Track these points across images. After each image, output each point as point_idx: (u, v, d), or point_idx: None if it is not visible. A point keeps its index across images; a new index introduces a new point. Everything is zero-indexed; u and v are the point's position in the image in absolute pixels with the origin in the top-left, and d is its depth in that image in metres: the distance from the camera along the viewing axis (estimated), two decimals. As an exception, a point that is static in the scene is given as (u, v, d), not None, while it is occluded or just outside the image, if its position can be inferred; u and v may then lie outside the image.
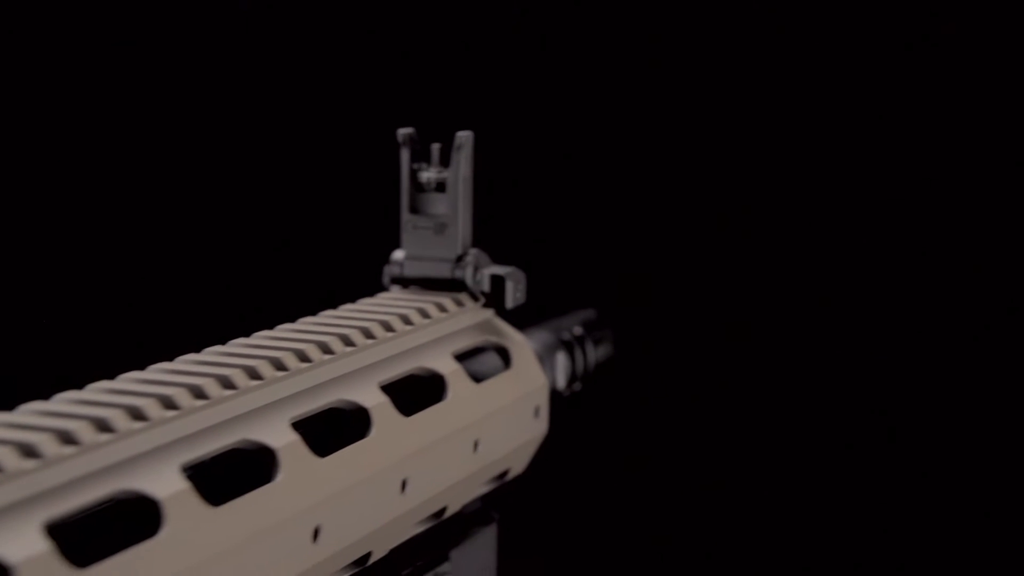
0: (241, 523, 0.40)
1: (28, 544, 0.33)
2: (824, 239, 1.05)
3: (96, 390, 0.41)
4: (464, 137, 0.61)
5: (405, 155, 0.62)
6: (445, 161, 0.62)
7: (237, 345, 0.48)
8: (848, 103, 1.03)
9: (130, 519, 0.38)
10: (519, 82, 1.05)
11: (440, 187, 0.62)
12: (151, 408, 0.39)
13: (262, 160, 1.14)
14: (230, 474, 0.42)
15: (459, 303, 0.60)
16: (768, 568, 0.88)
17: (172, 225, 1.17)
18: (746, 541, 0.90)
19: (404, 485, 0.51)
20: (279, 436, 0.44)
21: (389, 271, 0.62)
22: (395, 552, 0.53)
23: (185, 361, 0.45)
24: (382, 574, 0.54)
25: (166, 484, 0.39)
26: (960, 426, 1.03)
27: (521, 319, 0.67)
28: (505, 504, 0.64)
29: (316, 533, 0.45)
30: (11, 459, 0.34)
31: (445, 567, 0.57)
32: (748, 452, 1.02)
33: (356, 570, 0.49)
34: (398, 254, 0.63)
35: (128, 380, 0.42)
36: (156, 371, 0.44)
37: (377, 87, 1.08)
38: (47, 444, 0.35)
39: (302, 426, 0.46)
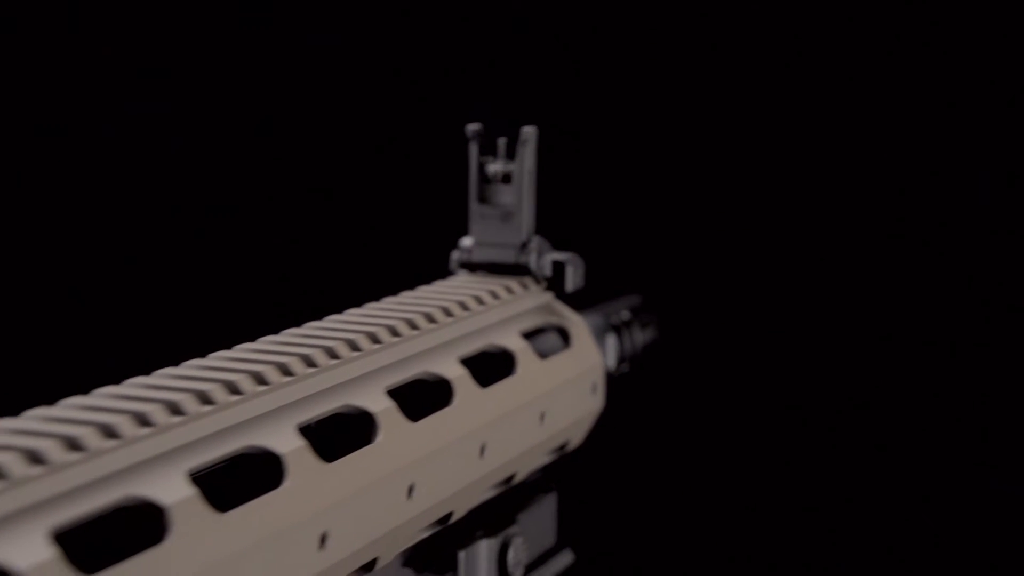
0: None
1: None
2: (870, 231, 1.09)
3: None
4: (529, 132, 0.66)
5: (474, 149, 0.66)
6: (511, 154, 0.66)
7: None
8: (894, 100, 1.07)
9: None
10: (569, 75, 1.10)
11: (506, 179, 0.66)
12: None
13: (313, 157, 1.19)
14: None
15: (524, 286, 0.65)
16: (808, 533, 0.93)
17: (215, 221, 1.21)
18: (777, 510, 0.95)
19: (483, 450, 0.55)
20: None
21: (459, 256, 0.67)
22: (470, 514, 0.57)
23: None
24: (457, 534, 0.59)
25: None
26: (1003, 428, 1.07)
27: (571, 304, 0.72)
28: (563, 475, 0.69)
29: (410, 489, 0.48)
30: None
31: (514, 529, 0.61)
32: (784, 436, 1.06)
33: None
34: (467, 241, 0.67)
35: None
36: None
37: (437, 84, 1.12)
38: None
39: (398, 392, 0.51)
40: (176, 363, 0.45)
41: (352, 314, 0.55)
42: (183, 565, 0.37)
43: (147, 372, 0.44)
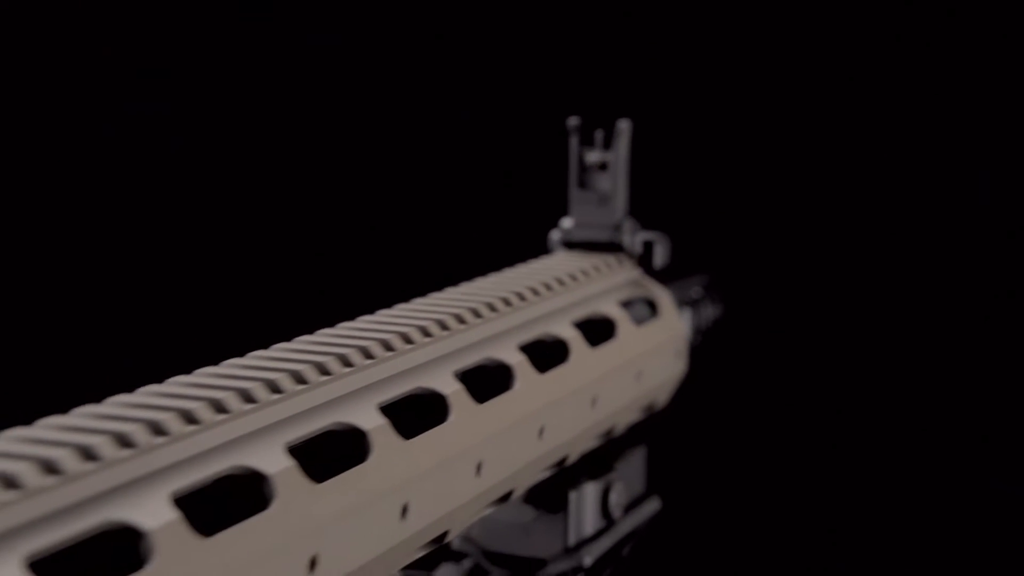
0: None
1: None
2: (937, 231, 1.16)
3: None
4: (624, 125, 0.74)
5: (574, 140, 0.75)
6: (607, 144, 0.74)
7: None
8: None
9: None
10: (648, 69, 1.18)
11: (603, 167, 0.74)
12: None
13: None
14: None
15: (620, 262, 0.73)
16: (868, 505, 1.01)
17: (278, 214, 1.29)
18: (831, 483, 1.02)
19: (594, 402, 0.63)
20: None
21: (562, 236, 0.75)
22: (583, 459, 0.66)
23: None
24: (566, 478, 0.67)
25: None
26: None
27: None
28: (650, 433, 0.77)
29: (404, 509, 0.47)
30: None
31: (613, 475, 0.69)
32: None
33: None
34: (567, 222, 0.75)
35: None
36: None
37: (531, 78, 1.20)
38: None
39: (529, 349, 0.59)
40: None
41: (471, 285, 0.63)
42: None
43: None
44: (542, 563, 0.67)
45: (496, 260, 0.71)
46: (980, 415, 1.15)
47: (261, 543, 0.39)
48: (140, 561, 0.35)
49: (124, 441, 0.37)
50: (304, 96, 1.27)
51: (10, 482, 0.33)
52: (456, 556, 0.68)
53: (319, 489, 0.42)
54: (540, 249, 0.77)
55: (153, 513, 0.36)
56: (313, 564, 0.41)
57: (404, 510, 0.47)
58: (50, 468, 0.34)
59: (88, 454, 0.35)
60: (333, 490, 0.43)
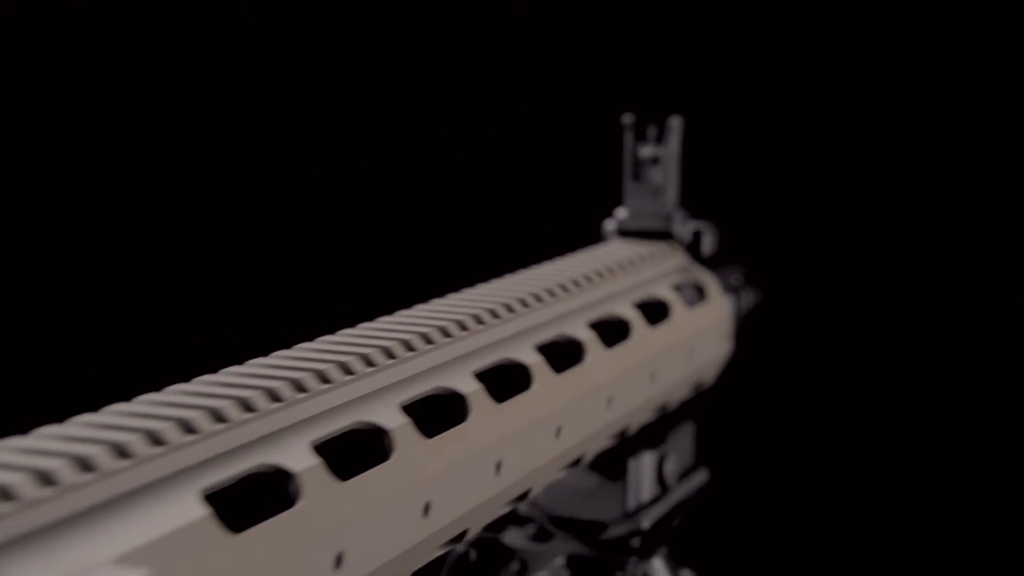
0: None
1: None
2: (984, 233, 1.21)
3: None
4: (675, 122, 0.79)
5: (629, 136, 0.80)
6: (659, 140, 0.80)
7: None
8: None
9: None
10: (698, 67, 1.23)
11: (655, 160, 0.80)
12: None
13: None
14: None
15: (671, 249, 0.79)
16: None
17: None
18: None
19: (653, 377, 0.69)
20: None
21: (617, 225, 0.81)
22: (641, 431, 0.71)
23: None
24: (625, 448, 0.72)
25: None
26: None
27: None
28: (698, 409, 0.82)
29: (426, 507, 0.47)
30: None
31: (667, 446, 0.75)
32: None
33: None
34: (621, 212, 0.81)
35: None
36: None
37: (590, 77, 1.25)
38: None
39: (596, 326, 0.64)
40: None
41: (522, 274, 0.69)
42: None
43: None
44: (603, 526, 0.72)
45: (553, 248, 0.77)
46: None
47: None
48: None
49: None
50: (350, 87, 1.32)
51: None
52: (521, 520, 0.74)
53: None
54: (595, 237, 0.82)
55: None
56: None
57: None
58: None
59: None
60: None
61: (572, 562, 0.72)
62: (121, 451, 0.36)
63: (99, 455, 0.36)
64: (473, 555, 0.73)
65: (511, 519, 0.73)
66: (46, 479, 0.34)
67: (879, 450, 1.19)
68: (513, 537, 0.73)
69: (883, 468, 1.19)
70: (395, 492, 0.45)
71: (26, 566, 0.32)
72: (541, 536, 0.73)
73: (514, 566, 0.73)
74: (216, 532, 0.37)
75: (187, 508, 0.37)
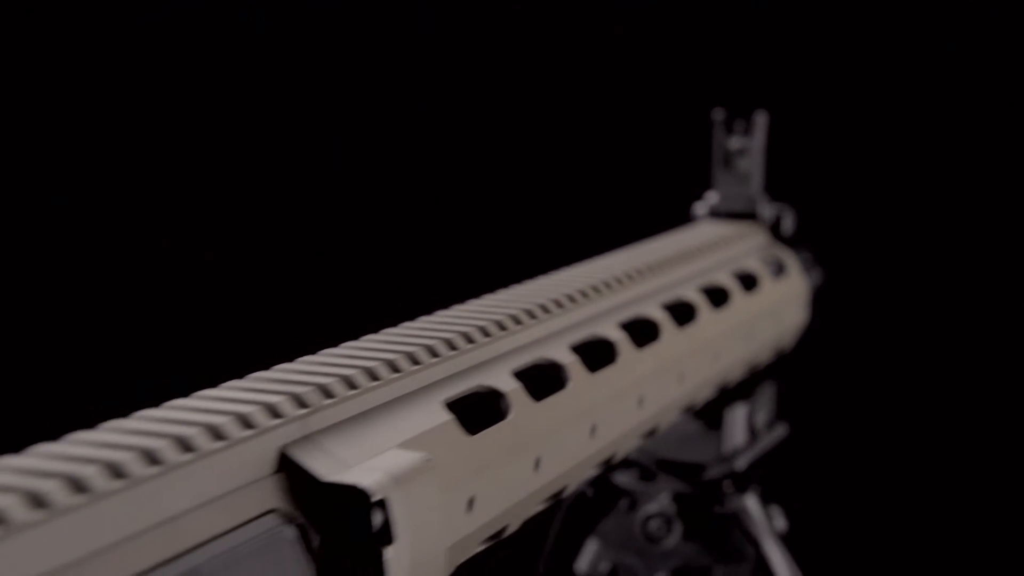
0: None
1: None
2: None
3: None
4: (761, 115, 0.90)
5: (719, 129, 0.91)
6: (746, 131, 0.90)
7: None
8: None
9: None
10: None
11: (743, 151, 0.90)
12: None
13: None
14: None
15: (756, 228, 0.89)
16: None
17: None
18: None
19: (749, 337, 0.79)
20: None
21: (711, 207, 0.91)
22: (737, 385, 0.82)
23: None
24: (719, 401, 0.83)
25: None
26: None
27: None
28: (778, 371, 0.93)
29: (538, 464, 0.54)
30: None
31: (756, 401, 0.86)
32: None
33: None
34: (712, 196, 0.92)
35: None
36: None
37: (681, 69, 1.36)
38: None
39: (711, 291, 0.75)
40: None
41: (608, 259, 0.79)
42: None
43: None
44: (703, 467, 0.83)
45: (648, 229, 0.88)
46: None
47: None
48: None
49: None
50: (422, 80, 1.42)
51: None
52: (628, 463, 0.85)
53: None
54: (683, 218, 0.93)
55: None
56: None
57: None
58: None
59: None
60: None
61: (676, 498, 0.83)
62: (392, 366, 0.47)
63: (378, 368, 0.46)
64: (590, 492, 0.84)
65: (622, 463, 0.83)
66: (350, 383, 0.45)
67: (939, 417, 1.30)
68: (623, 477, 0.84)
69: (944, 433, 1.29)
70: (570, 415, 0.57)
71: (343, 442, 0.43)
72: (647, 476, 0.84)
73: (625, 502, 0.84)
74: (458, 432, 0.48)
75: (436, 413, 0.48)
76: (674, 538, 0.83)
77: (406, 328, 0.53)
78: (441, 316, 0.56)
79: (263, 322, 1.41)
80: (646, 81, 1.37)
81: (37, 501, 0.33)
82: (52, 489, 0.33)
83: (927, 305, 1.33)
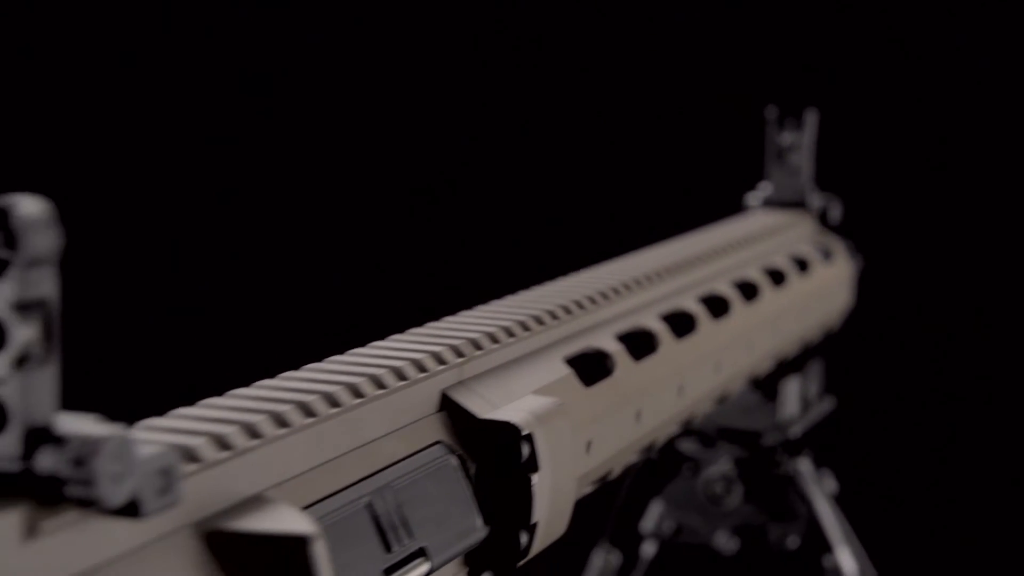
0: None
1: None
2: None
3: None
4: (811, 113, 0.98)
5: (772, 126, 0.98)
6: (797, 127, 0.98)
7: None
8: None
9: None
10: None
11: (793, 146, 0.98)
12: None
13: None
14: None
15: (806, 217, 0.97)
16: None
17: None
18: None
19: (802, 316, 0.87)
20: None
21: (764, 198, 0.99)
22: (794, 359, 0.89)
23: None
24: (774, 374, 0.91)
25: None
26: None
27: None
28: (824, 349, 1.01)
29: (638, 415, 0.62)
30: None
31: (807, 374, 0.93)
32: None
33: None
34: (766, 186, 0.99)
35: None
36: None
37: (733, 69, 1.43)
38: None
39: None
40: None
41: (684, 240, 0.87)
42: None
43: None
44: (759, 435, 0.91)
45: (703, 218, 0.95)
46: None
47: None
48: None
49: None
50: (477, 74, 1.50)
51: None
52: (690, 432, 0.92)
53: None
54: (735, 207, 1.01)
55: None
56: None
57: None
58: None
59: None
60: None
61: (736, 463, 0.91)
62: (523, 326, 0.56)
63: (513, 327, 0.55)
64: (655, 457, 0.92)
65: (687, 431, 0.91)
66: (493, 338, 0.53)
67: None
68: (687, 444, 0.92)
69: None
70: (662, 375, 0.65)
71: (490, 387, 0.51)
72: (709, 443, 0.92)
73: (689, 467, 0.92)
74: (577, 384, 0.56)
75: (559, 367, 0.56)
76: (734, 499, 0.91)
77: (528, 294, 0.61)
78: (554, 286, 0.64)
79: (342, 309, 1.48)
80: (704, 81, 1.44)
81: (280, 421, 0.41)
82: (287, 411, 0.41)
83: (961, 289, 1.41)
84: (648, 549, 0.95)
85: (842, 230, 1.10)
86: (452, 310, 0.57)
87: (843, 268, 0.99)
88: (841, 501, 0.94)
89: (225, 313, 1.49)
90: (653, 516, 0.94)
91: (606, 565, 0.95)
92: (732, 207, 1.01)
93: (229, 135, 1.49)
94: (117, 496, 0.32)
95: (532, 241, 1.45)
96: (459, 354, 0.51)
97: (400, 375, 0.47)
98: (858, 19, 1.41)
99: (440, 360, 0.49)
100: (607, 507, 0.94)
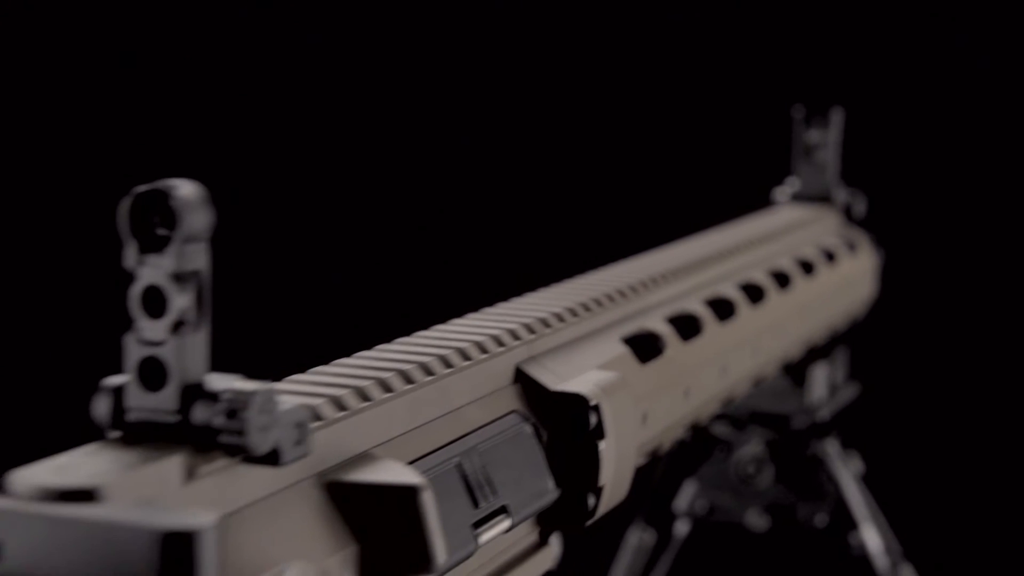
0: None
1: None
2: None
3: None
4: (836, 113, 1.02)
5: (799, 124, 1.03)
6: (823, 126, 1.03)
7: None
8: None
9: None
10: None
11: (820, 143, 1.03)
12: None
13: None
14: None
15: (831, 211, 1.02)
16: None
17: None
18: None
19: (831, 303, 0.91)
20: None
21: (785, 192, 1.03)
22: (824, 347, 0.94)
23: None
24: (802, 362, 0.95)
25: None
26: None
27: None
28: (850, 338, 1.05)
29: (687, 393, 0.67)
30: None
31: (834, 361, 0.98)
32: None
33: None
34: (794, 181, 1.04)
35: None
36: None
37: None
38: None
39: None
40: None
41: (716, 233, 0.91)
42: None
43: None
44: (789, 418, 0.95)
45: (733, 212, 1.00)
46: None
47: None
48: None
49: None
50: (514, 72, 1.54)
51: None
52: (722, 416, 0.97)
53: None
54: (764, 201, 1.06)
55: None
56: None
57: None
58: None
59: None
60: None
61: (767, 444, 0.96)
62: (585, 306, 0.61)
63: (576, 307, 0.60)
64: (688, 439, 0.96)
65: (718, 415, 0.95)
66: (559, 318, 0.58)
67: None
68: (719, 428, 0.97)
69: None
70: (707, 356, 0.70)
71: (557, 362, 0.56)
72: (740, 426, 0.96)
73: (722, 448, 0.96)
74: (633, 361, 0.61)
75: (617, 345, 0.61)
76: (765, 480, 0.95)
77: (586, 279, 0.65)
78: (608, 272, 0.68)
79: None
80: (734, 81, 1.48)
81: (385, 386, 0.45)
82: (390, 377, 0.46)
83: (980, 280, 1.45)
84: (681, 527, 0.99)
85: (865, 224, 1.15)
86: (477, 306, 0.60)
87: (867, 260, 1.03)
88: (867, 481, 0.98)
89: (225, 313, 1.51)
90: (687, 496, 0.98)
91: (641, 543, 1.00)
92: (759, 202, 1.05)
93: (228, 135, 1.52)
94: (263, 445, 0.37)
95: (579, 233, 1.48)
96: (531, 331, 0.55)
97: (482, 348, 0.51)
98: (884, 19, 1.45)
99: (515, 336, 0.54)
100: (642, 488, 0.98)
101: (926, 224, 1.43)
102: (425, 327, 0.54)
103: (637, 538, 1.00)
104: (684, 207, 1.44)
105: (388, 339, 0.52)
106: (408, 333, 0.53)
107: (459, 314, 0.57)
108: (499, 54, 1.54)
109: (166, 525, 0.31)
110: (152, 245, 0.36)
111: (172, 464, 0.36)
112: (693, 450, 0.97)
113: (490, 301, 0.60)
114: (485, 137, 1.54)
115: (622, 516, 0.96)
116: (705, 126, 1.48)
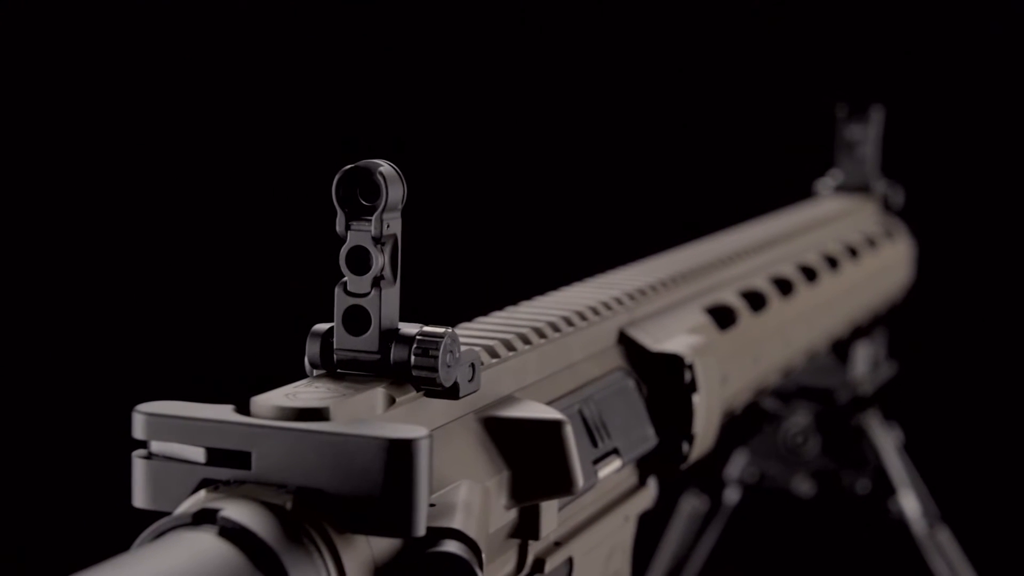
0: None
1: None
2: None
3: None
4: (876, 109, 1.09)
5: (842, 120, 1.10)
6: (864, 122, 1.10)
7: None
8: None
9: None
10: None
11: (860, 139, 1.10)
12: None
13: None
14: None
15: (871, 201, 1.09)
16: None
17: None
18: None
19: (872, 290, 0.99)
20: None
21: (827, 184, 1.11)
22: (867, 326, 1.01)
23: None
24: (849, 338, 1.03)
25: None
26: None
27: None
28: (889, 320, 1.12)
29: (756, 359, 0.78)
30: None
31: (875, 340, 1.05)
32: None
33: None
34: (836, 173, 1.11)
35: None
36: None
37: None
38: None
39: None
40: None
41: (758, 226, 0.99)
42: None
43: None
44: (833, 392, 1.03)
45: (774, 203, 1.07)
46: None
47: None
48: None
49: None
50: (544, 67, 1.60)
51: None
52: (772, 391, 1.04)
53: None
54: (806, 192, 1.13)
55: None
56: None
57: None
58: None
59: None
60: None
61: (815, 416, 1.03)
62: (673, 279, 0.68)
63: (666, 280, 0.67)
64: (739, 413, 1.04)
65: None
66: (653, 288, 0.66)
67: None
68: (769, 401, 1.04)
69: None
70: (773, 327, 0.77)
71: (654, 326, 0.64)
72: (785, 398, 1.04)
73: (771, 420, 1.04)
74: (714, 328, 0.69)
75: (700, 314, 0.69)
76: (812, 449, 1.03)
77: (667, 257, 0.73)
78: (685, 251, 0.76)
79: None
80: (784, 82, 1.55)
81: (524, 339, 0.53)
82: (528, 332, 0.53)
83: (1010, 273, 1.51)
84: (732, 495, 1.07)
85: (903, 214, 1.22)
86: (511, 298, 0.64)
87: (905, 247, 1.11)
88: (907, 449, 1.06)
89: (225, 312, 1.53)
90: (738, 465, 1.06)
91: (694, 509, 1.08)
92: (803, 192, 1.13)
93: (229, 135, 1.54)
94: (449, 379, 0.44)
95: (644, 217, 1.54)
96: (632, 298, 0.63)
97: (595, 311, 0.59)
98: (922, 21, 1.52)
99: (619, 302, 0.61)
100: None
101: (960, 214, 1.50)
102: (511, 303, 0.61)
103: (691, 505, 1.08)
104: (734, 197, 1.51)
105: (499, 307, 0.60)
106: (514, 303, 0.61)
107: (546, 286, 0.65)
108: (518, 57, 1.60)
109: (391, 435, 0.39)
110: (357, 213, 0.44)
111: (378, 394, 0.43)
112: (742, 423, 1.04)
113: (553, 285, 0.67)
114: (546, 128, 1.59)
115: (676, 484, 1.04)
116: (756, 124, 1.55)
